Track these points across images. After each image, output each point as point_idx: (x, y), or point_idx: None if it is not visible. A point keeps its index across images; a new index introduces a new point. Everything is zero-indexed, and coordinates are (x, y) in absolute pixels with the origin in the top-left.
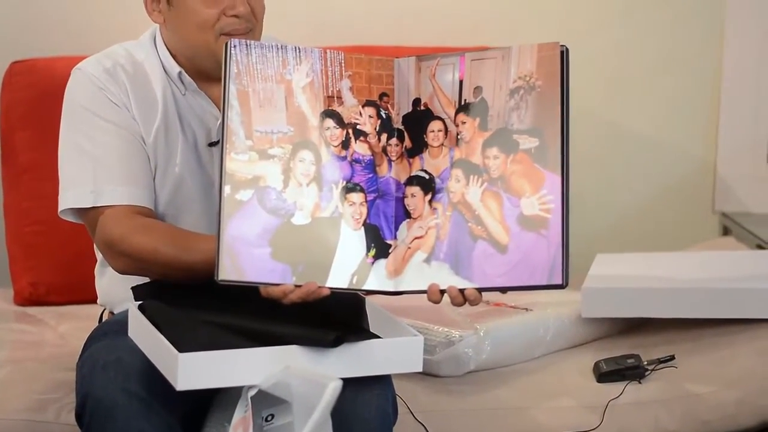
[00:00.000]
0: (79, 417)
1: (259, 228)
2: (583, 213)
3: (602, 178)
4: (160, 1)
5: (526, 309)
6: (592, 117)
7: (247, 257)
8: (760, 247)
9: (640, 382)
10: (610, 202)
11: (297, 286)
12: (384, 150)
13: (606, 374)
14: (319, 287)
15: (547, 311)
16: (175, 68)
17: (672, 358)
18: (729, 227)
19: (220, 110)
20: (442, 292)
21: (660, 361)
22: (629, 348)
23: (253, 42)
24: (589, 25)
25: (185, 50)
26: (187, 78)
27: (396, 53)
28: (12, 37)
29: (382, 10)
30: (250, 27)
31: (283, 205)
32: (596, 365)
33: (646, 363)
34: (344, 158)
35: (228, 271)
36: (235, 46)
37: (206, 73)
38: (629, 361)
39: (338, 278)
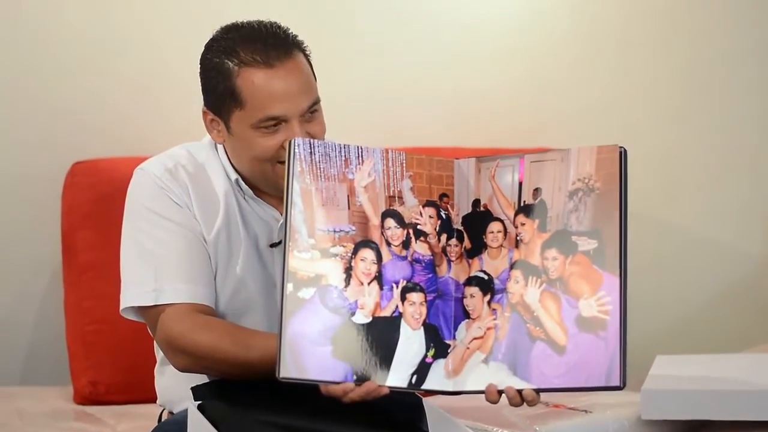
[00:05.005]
0: None
1: (320, 326)
2: (642, 313)
3: (661, 278)
4: (220, 123)
5: (586, 411)
6: (651, 217)
7: (308, 355)
8: None
9: None
10: (670, 302)
11: (357, 385)
12: (444, 250)
13: None
14: (379, 386)
15: (606, 413)
16: (233, 174)
17: None
18: None
19: (280, 211)
20: (500, 392)
21: None
22: None
23: (316, 141)
24: (647, 126)
25: (242, 170)
26: (244, 185)
27: (456, 155)
28: (74, 138)
29: (442, 113)
30: None
31: (344, 304)
32: None
33: None
34: (405, 258)
35: (290, 369)
36: (299, 145)
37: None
38: None
39: (398, 377)
